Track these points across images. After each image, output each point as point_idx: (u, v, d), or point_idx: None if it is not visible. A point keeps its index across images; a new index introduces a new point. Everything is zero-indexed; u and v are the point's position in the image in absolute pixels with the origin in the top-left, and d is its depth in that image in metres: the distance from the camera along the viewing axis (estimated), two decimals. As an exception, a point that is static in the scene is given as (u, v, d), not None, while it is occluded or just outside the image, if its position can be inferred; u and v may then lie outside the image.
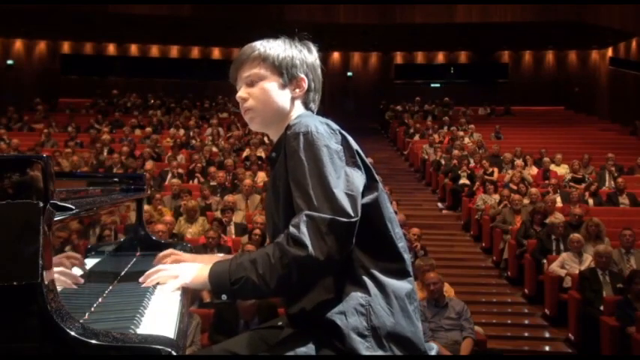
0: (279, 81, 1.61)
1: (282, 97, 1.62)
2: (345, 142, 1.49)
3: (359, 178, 1.45)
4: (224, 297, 1.43)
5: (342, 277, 1.46)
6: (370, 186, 1.50)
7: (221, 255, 1.88)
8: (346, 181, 1.41)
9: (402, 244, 1.54)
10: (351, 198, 1.39)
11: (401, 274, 1.51)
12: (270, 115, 1.63)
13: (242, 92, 1.63)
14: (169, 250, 1.82)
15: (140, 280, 1.62)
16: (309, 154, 1.42)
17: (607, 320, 5.56)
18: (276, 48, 1.61)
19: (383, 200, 1.53)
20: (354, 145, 1.52)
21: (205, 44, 19.62)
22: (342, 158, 1.45)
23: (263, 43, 1.63)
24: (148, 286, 1.62)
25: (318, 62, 1.68)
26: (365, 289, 1.45)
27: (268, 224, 1.67)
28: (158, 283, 1.58)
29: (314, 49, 1.68)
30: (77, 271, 1.50)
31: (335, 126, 1.52)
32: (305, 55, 1.65)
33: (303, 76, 1.63)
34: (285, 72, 1.61)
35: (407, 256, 1.55)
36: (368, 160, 1.57)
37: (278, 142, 1.60)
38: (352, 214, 1.37)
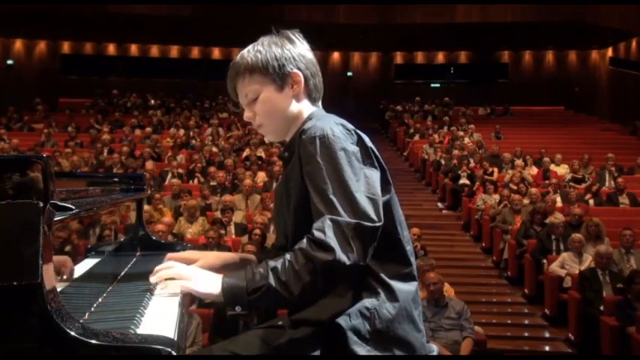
0: (274, 86, 1.57)
1: (283, 101, 1.58)
2: (361, 142, 1.46)
3: (377, 180, 1.43)
4: (238, 309, 1.37)
5: (350, 280, 1.44)
6: (384, 188, 1.46)
7: (229, 255, 1.80)
8: (366, 184, 1.39)
9: (409, 248, 1.52)
10: (373, 202, 1.37)
11: (408, 278, 1.50)
12: (280, 122, 1.60)
13: (247, 113, 1.62)
14: (170, 256, 1.72)
15: (151, 278, 1.54)
16: (327, 158, 1.39)
17: (607, 320, 5.56)
18: (256, 55, 1.57)
19: (394, 203, 1.51)
20: (370, 145, 1.49)
21: (205, 44, 19.62)
22: (360, 159, 1.43)
23: (243, 55, 1.59)
24: (149, 286, 1.61)
25: (304, 47, 1.62)
26: (372, 292, 1.44)
27: (278, 220, 1.66)
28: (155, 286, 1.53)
29: (294, 38, 1.62)
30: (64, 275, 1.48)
31: (350, 126, 1.49)
32: (288, 49, 1.58)
33: (295, 70, 1.58)
34: (275, 75, 1.56)
35: (413, 260, 1.53)
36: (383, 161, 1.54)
37: (291, 142, 1.58)
38: (375, 219, 1.35)
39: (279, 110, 1.58)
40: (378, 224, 1.35)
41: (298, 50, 1.59)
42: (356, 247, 1.32)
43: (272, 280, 1.33)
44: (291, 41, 1.60)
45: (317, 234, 1.33)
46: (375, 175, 1.43)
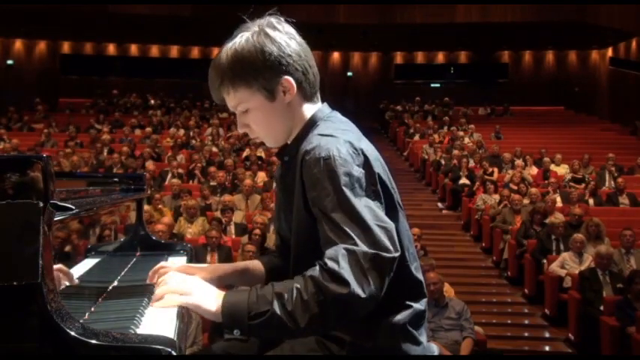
0: (264, 98, 1.43)
1: (277, 110, 1.45)
2: (366, 165, 1.34)
3: (380, 209, 1.31)
4: (237, 332, 1.25)
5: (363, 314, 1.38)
6: (391, 216, 1.34)
7: (230, 266, 1.68)
8: (372, 212, 1.28)
9: (415, 265, 1.45)
10: (386, 230, 1.26)
11: (415, 297, 1.44)
12: (278, 132, 1.50)
13: (240, 125, 1.51)
14: (160, 265, 1.61)
15: (152, 304, 1.43)
16: (333, 182, 1.28)
17: (607, 320, 5.56)
18: (237, 66, 1.40)
19: (402, 229, 1.41)
20: (376, 168, 1.37)
21: (205, 44, 19.63)
22: (363, 185, 1.31)
23: (222, 63, 1.43)
24: (149, 285, 1.60)
25: (286, 37, 1.42)
26: (377, 309, 1.35)
27: (275, 219, 1.63)
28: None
29: (274, 31, 1.42)
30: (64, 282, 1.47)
31: (358, 144, 1.36)
32: (271, 51, 1.39)
33: (284, 77, 1.42)
34: (262, 88, 1.42)
35: (420, 276, 1.46)
36: (390, 188, 1.42)
37: (292, 145, 1.48)
38: (392, 249, 1.25)
39: (275, 121, 1.47)
40: (396, 254, 1.25)
41: (283, 47, 1.40)
42: (373, 280, 1.21)
43: (276, 307, 1.21)
44: (272, 40, 1.41)
45: (330, 264, 1.21)
46: (374, 205, 1.31)
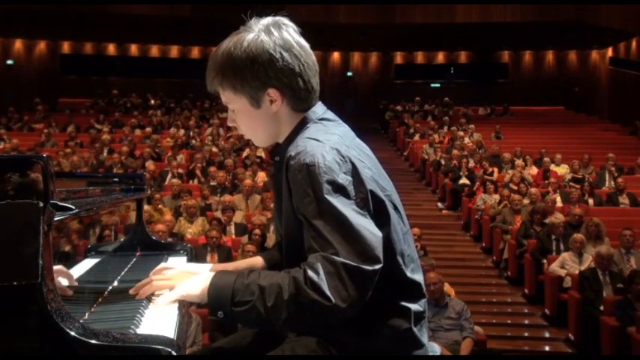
0: (249, 105, 1.44)
1: (262, 117, 1.46)
2: (353, 173, 1.32)
3: (367, 218, 1.30)
4: (220, 314, 1.30)
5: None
6: (382, 223, 1.34)
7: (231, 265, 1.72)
8: (355, 221, 1.26)
9: (412, 267, 1.44)
10: (369, 241, 1.25)
11: (412, 298, 1.43)
12: (261, 136, 1.52)
13: (229, 120, 1.54)
14: (161, 266, 1.64)
15: (131, 291, 1.51)
16: (316, 190, 1.27)
17: (607, 320, 5.56)
18: (228, 68, 1.40)
19: (394, 235, 1.39)
20: (364, 176, 1.34)
21: (205, 44, 19.63)
22: (348, 194, 1.29)
23: (217, 61, 1.42)
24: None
25: (279, 50, 1.39)
26: (375, 312, 1.36)
27: (274, 220, 1.65)
28: (153, 294, 1.48)
29: (269, 39, 1.40)
30: (64, 282, 1.46)
31: (346, 151, 1.34)
32: (261, 61, 1.38)
33: (269, 90, 1.41)
34: (248, 95, 1.43)
35: (418, 277, 1.44)
36: (382, 193, 1.40)
37: (284, 145, 1.47)
38: (373, 261, 1.24)
39: (258, 126, 1.49)
40: (377, 267, 1.24)
41: (275, 59, 1.39)
42: (351, 291, 1.21)
43: (258, 301, 1.25)
44: (265, 50, 1.39)
45: (310, 272, 1.22)
46: (360, 213, 1.29)
